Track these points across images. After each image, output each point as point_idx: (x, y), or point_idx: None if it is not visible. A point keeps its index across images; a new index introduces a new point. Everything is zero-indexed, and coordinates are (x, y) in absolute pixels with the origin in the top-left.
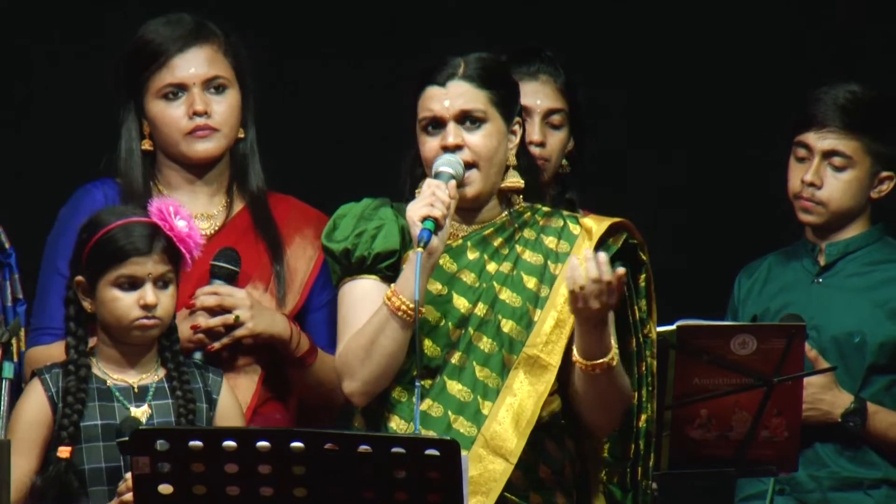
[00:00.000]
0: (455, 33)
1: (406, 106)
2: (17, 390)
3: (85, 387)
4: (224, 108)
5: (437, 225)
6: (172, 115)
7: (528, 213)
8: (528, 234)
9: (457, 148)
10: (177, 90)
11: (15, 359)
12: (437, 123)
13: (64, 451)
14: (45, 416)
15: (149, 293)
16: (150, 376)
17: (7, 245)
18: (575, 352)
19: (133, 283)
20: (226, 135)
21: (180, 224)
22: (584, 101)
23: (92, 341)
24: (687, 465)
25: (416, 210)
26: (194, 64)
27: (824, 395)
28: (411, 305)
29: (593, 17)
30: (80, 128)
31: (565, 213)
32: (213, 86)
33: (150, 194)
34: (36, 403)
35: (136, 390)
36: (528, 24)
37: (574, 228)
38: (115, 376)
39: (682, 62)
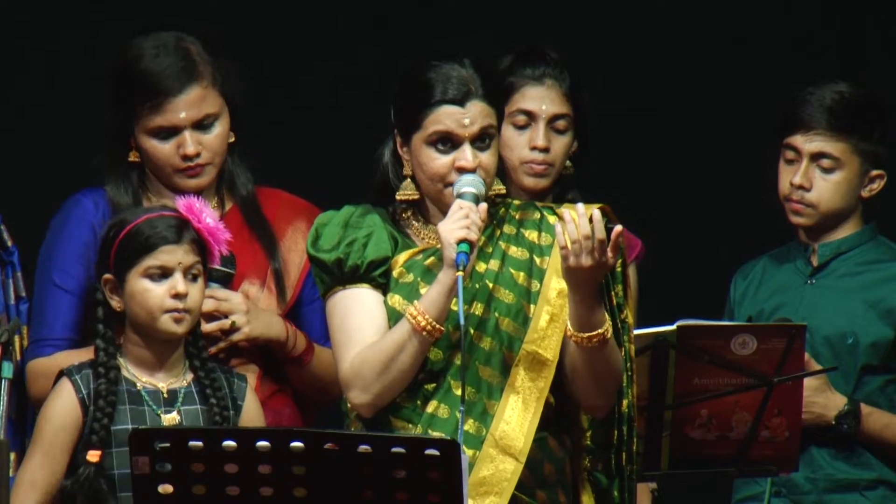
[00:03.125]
0: (454, 33)
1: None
2: (19, 391)
3: (115, 389)
4: (213, 140)
5: (472, 248)
6: (163, 152)
7: (503, 209)
8: (507, 229)
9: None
10: (168, 132)
11: (18, 357)
12: (451, 141)
13: (94, 455)
14: (76, 418)
15: (179, 282)
16: (179, 380)
17: (9, 243)
18: (569, 326)
19: (163, 273)
20: (216, 164)
21: (208, 220)
22: (588, 102)
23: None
24: (687, 465)
25: (451, 232)
26: (186, 107)
27: (817, 397)
28: (437, 326)
29: (592, 15)
30: (82, 126)
31: (538, 203)
32: (204, 124)
33: (141, 203)
34: (67, 406)
35: (165, 395)
36: (528, 24)
37: (552, 219)
38: (144, 379)
39: (679, 62)
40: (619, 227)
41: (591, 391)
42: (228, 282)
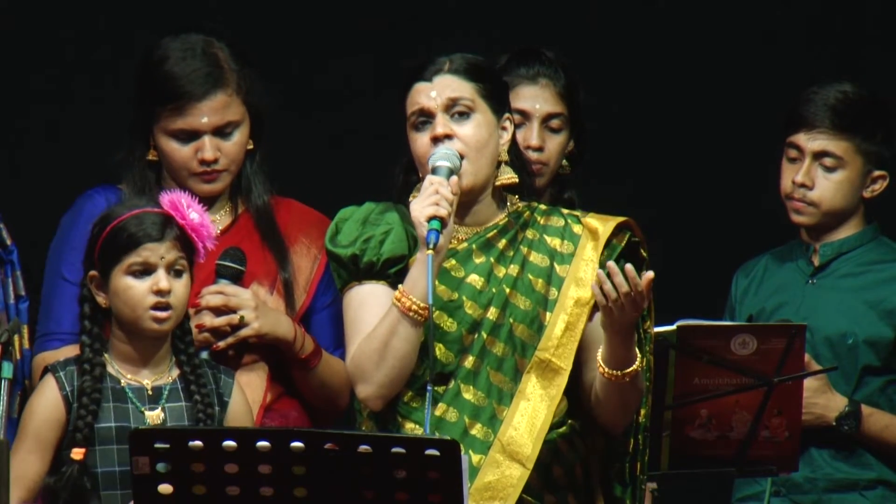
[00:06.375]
0: (455, 33)
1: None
2: (20, 387)
3: (100, 386)
4: (232, 147)
5: (443, 224)
6: (181, 155)
7: (527, 213)
8: (530, 234)
9: (446, 137)
10: (188, 135)
11: (18, 356)
12: (426, 117)
13: (77, 453)
14: (60, 415)
15: (162, 279)
16: (164, 377)
17: (9, 242)
18: (601, 363)
19: (146, 270)
20: (232, 171)
21: (193, 216)
22: (584, 102)
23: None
24: (687, 465)
25: (421, 210)
26: (208, 113)
27: (818, 398)
28: (422, 305)
29: (592, 15)
30: (81, 126)
31: (564, 211)
32: (224, 131)
33: (156, 202)
34: (50, 402)
35: (149, 392)
36: (529, 24)
37: (576, 228)
38: (129, 376)
39: (679, 60)
40: (650, 274)
41: (614, 414)
42: (238, 279)
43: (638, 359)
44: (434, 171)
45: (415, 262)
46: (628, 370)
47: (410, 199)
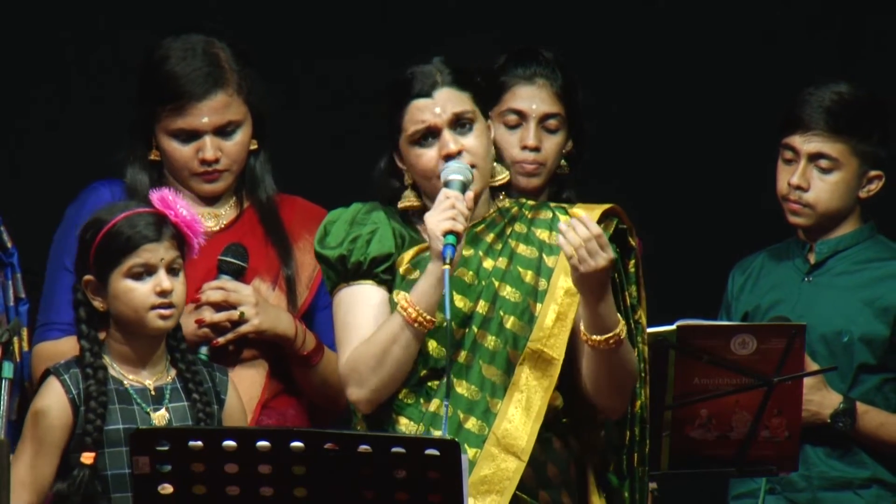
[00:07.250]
0: (455, 33)
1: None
2: (19, 388)
3: (105, 389)
4: (233, 147)
5: (458, 238)
6: (182, 155)
7: (515, 208)
8: (518, 227)
9: (458, 153)
10: (189, 135)
11: (17, 358)
12: (431, 133)
13: (88, 458)
14: (67, 419)
15: (164, 279)
16: (164, 377)
17: (9, 244)
18: (584, 330)
19: (147, 271)
20: (234, 171)
21: (183, 212)
22: (583, 102)
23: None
24: (687, 465)
25: (438, 224)
26: (208, 113)
27: (813, 395)
28: (428, 318)
29: (593, 15)
30: (81, 126)
31: (552, 204)
32: (226, 131)
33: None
34: (58, 406)
35: (152, 392)
36: (529, 25)
37: (564, 219)
38: (131, 377)
39: (679, 60)
40: (576, 210)
41: (607, 392)
42: (240, 275)
43: (620, 324)
44: (447, 184)
45: (425, 274)
46: (610, 335)
47: (399, 206)
